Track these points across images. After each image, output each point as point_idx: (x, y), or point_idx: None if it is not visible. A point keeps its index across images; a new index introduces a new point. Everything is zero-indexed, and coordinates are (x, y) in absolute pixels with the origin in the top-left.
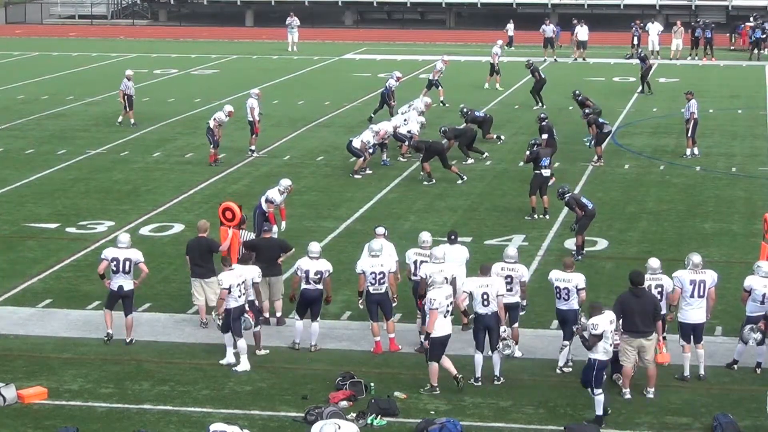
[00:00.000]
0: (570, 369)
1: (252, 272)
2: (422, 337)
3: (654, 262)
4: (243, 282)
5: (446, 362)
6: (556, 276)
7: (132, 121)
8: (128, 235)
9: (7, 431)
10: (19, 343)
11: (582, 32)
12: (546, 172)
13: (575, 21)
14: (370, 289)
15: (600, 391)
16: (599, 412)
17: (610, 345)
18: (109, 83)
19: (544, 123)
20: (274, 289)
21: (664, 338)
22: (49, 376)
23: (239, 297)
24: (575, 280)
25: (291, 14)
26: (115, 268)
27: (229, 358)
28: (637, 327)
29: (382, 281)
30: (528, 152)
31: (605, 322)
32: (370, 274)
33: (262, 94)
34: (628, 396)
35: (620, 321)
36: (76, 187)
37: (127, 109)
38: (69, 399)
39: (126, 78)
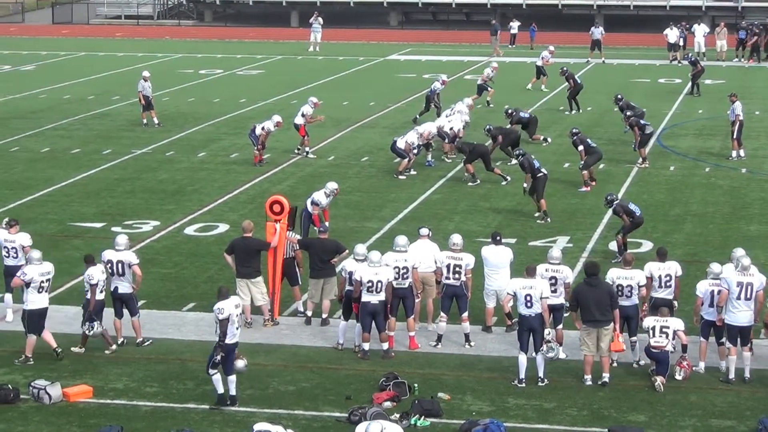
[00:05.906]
0: (643, 362)
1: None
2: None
3: (716, 267)
4: None
5: (47, 335)
6: (617, 274)
7: (156, 120)
8: (125, 236)
9: (52, 429)
10: (66, 341)
11: (596, 33)
12: (545, 170)
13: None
14: (394, 283)
15: (215, 371)
16: (220, 390)
17: (237, 328)
18: (155, 83)
19: (575, 137)
20: (327, 290)
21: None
22: (94, 374)
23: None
24: (637, 276)
25: (315, 14)
26: (110, 270)
27: None
28: (594, 317)
29: (405, 276)
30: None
31: (230, 306)
32: (394, 268)
33: (319, 104)
34: (589, 383)
35: (578, 312)
36: (122, 187)
37: (147, 110)
38: (114, 398)
39: (143, 79)
